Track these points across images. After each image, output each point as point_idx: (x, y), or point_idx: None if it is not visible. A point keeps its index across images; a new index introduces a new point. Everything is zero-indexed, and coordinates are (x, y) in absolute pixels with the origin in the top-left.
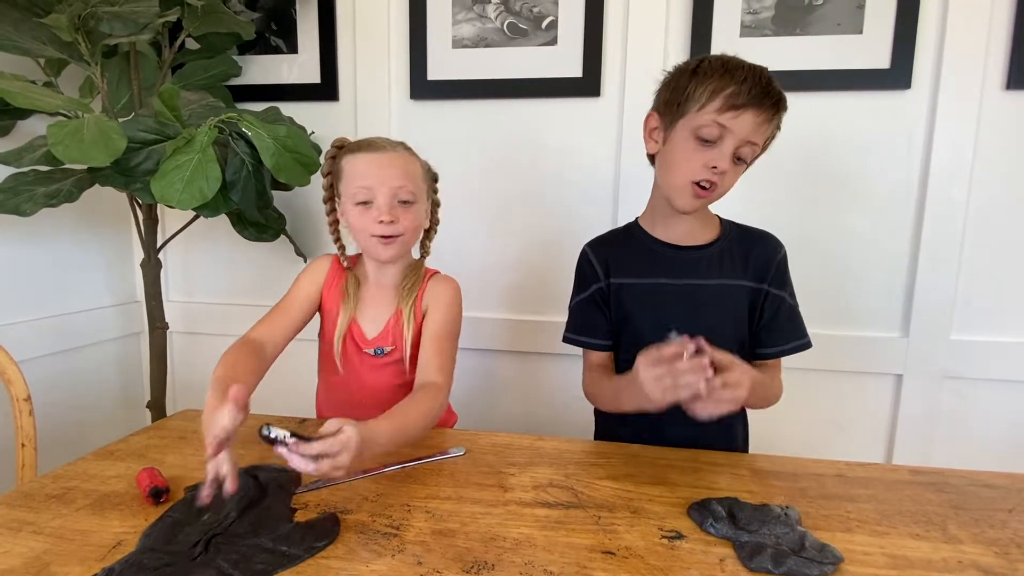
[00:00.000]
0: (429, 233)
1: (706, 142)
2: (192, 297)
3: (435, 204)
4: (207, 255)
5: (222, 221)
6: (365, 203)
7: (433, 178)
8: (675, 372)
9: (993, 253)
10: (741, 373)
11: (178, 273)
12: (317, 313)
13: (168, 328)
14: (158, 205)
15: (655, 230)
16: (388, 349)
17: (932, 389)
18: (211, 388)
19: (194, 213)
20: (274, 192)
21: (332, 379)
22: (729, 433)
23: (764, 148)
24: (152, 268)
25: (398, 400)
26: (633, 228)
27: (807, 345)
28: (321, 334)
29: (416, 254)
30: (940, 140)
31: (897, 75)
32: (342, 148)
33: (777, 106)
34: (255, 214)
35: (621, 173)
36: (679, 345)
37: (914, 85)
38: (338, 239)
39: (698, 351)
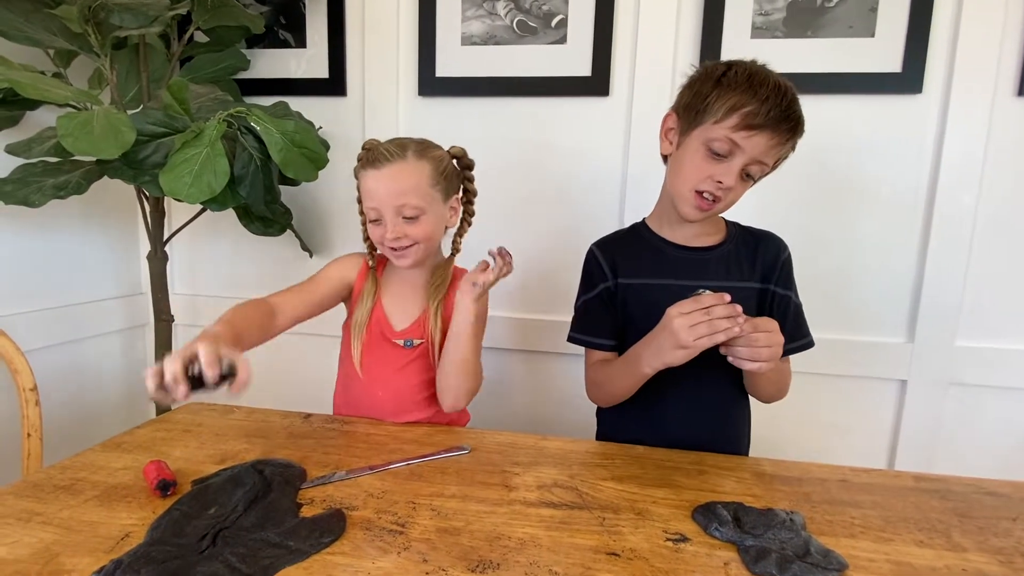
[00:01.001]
0: (461, 229)
1: (716, 155)
2: (197, 290)
3: (469, 195)
4: (213, 248)
5: (228, 215)
6: (376, 220)
7: (458, 173)
8: (711, 314)
9: (1000, 260)
10: (772, 321)
11: (184, 266)
12: (343, 305)
13: (173, 321)
14: (165, 198)
15: (663, 230)
16: (418, 342)
17: (936, 395)
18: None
19: (201, 206)
20: (280, 187)
21: (352, 369)
22: (733, 432)
23: (774, 167)
24: (158, 261)
25: (418, 396)
26: (640, 228)
27: (810, 344)
28: (346, 325)
29: (448, 249)
30: (950, 145)
31: (908, 79)
32: (367, 153)
33: (794, 130)
34: (262, 208)
35: (628, 173)
36: (716, 296)
37: (925, 90)
38: (367, 238)
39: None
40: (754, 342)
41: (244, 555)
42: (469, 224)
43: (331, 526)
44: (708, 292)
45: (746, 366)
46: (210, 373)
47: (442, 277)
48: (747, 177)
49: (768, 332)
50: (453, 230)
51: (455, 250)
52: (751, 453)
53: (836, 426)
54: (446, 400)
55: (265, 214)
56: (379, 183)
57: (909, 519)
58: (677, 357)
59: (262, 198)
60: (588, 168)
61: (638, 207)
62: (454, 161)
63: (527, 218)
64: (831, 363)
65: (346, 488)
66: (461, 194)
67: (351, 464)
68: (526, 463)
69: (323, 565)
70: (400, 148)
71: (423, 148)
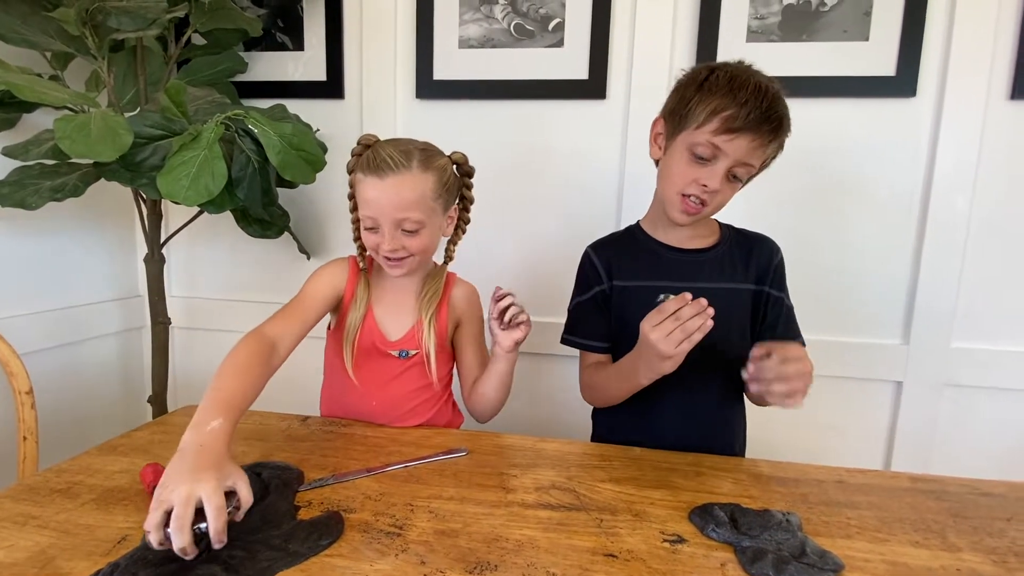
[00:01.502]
0: (455, 237)
1: (700, 159)
2: (194, 293)
3: (466, 202)
4: (210, 251)
5: (226, 217)
6: (372, 228)
7: (457, 181)
8: (680, 318)
9: (995, 262)
10: (798, 347)
11: (181, 268)
12: (329, 312)
13: (170, 323)
14: (162, 200)
15: (656, 233)
16: (413, 353)
17: (932, 397)
18: (209, 397)
19: (198, 209)
20: (278, 189)
21: (345, 379)
22: (728, 434)
23: (763, 167)
24: (155, 263)
25: (412, 403)
26: (635, 231)
27: (802, 345)
28: (335, 333)
29: (441, 256)
30: (944, 148)
31: (902, 83)
32: (366, 150)
33: (776, 131)
34: (260, 211)
35: (625, 176)
36: (678, 299)
37: (919, 93)
38: (358, 238)
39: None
40: (786, 377)
41: (242, 558)
42: (464, 232)
43: (329, 528)
44: (670, 296)
45: (787, 405)
46: (218, 545)
47: (435, 287)
48: (734, 179)
49: (797, 361)
50: (447, 237)
51: (448, 258)
52: (747, 455)
53: (832, 427)
54: (486, 414)
55: (263, 216)
56: (381, 194)
57: (905, 520)
58: (667, 367)
59: (260, 200)
60: (585, 170)
61: (635, 209)
62: (455, 168)
63: (523, 220)
64: (827, 365)
65: (344, 490)
66: (458, 202)
67: (349, 466)
68: (524, 465)
69: (321, 568)
70: (405, 157)
71: (427, 157)
